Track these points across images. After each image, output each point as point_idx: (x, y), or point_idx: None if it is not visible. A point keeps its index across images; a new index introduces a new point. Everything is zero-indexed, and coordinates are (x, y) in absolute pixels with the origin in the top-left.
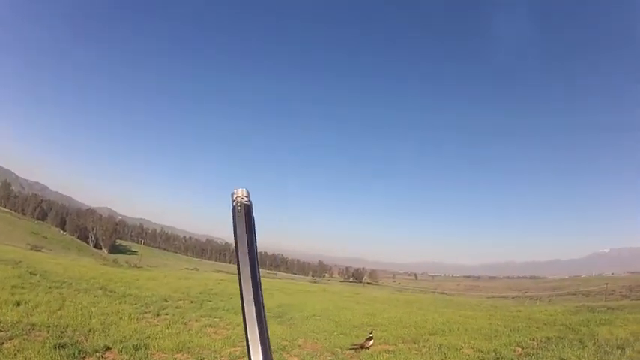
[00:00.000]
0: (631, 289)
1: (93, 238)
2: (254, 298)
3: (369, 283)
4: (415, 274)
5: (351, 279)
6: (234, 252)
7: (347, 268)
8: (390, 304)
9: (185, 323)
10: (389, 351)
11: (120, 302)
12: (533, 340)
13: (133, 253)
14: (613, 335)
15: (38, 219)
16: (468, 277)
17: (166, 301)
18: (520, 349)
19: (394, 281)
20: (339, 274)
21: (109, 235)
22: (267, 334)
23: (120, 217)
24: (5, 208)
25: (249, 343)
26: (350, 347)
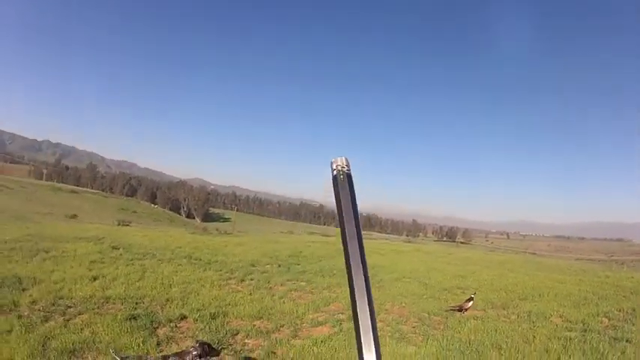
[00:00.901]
0: None
1: (185, 209)
2: (364, 277)
3: (462, 243)
4: (507, 234)
5: (444, 238)
6: (338, 220)
7: (441, 228)
8: (481, 266)
9: (270, 288)
10: (477, 317)
11: (204, 270)
12: (620, 310)
13: (227, 220)
14: None
15: (127, 195)
16: (558, 237)
17: (253, 266)
18: (607, 320)
19: (487, 240)
20: (432, 234)
21: (201, 205)
22: (373, 303)
23: (212, 187)
24: (92, 189)
25: (360, 328)
26: (448, 308)
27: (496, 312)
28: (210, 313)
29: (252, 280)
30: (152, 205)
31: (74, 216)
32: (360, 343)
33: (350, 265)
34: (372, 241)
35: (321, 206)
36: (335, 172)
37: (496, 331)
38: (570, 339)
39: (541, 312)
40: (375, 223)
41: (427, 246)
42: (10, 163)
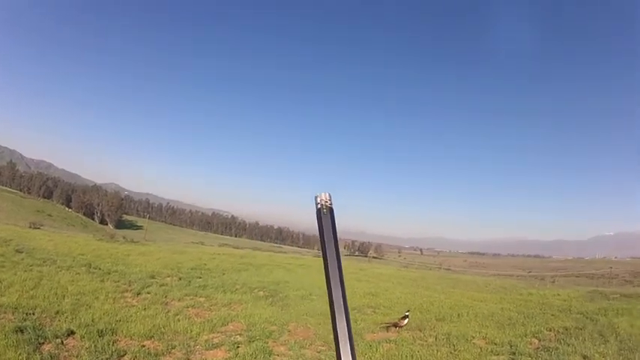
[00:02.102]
0: (635, 274)
1: (99, 215)
2: (342, 295)
3: (374, 257)
4: (421, 250)
5: (356, 253)
6: (322, 251)
7: (353, 242)
8: (394, 283)
9: (166, 303)
10: (390, 340)
11: (102, 280)
12: (550, 330)
13: (139, 228)
14: (635, 328)
15: (44, 197)
16: (473, 253)
17: (153, 277)
18: (537, 341)
19: (399, 256)
20: (345, 248)
21: (114, 211)
22: (350, 322)
23: (126, 193)
24: (11, 187)
25: (339, 337)
26: (382, 325)
27: (412, 334)
28: (99, 330)
29: (148, 293)
30: (67, 208)
31: None
32: (340, 354)
33: (331, 287)
34: (281, 255)
35: (233, 217)
36: (319, 206)
37: (412, 356)
38: None
39: (462, 334)
40: (287, 236)
41: None
42: None
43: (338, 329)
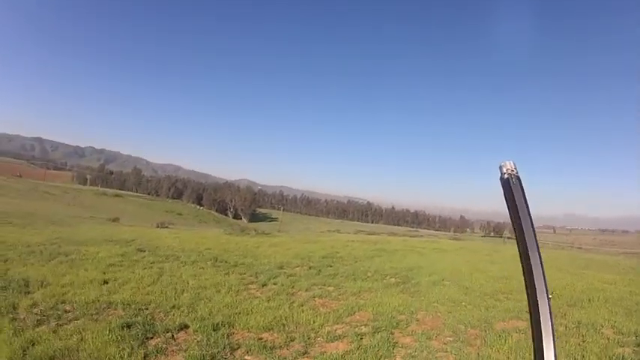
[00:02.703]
0: None
1: (232, 210)
2: (541, 269)
3: (509, 238)
4: (554, 228)
5: (492, 234)
6: (513, 223)
7: (488, 223)
8: None
9: (292, 294)
10: (519, 330)
11: (226, 273)
12: None
13: (274, 220)
14: None
15: (173, 198)
16: (603, 231)
17: (281, 268)
18: None
19: None
20: (480, 229)
21: (247, 205)
22: (550, 304)
23: (259, 187)
24: (137, 192)
25: (540, 317)
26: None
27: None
28: (215, 323)
29: (275, 284)
30: (198, 206)
31: (116, 219)
32: (542, 343)
33: (530, 265)
34: (415, 239)
35: (369, 204)
36: (506, 176)
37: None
38: (623, 358)
39: (591, 322)
40: (423, 219)
41: (473, 243)
42: (53, 169)
43: (540, 311)
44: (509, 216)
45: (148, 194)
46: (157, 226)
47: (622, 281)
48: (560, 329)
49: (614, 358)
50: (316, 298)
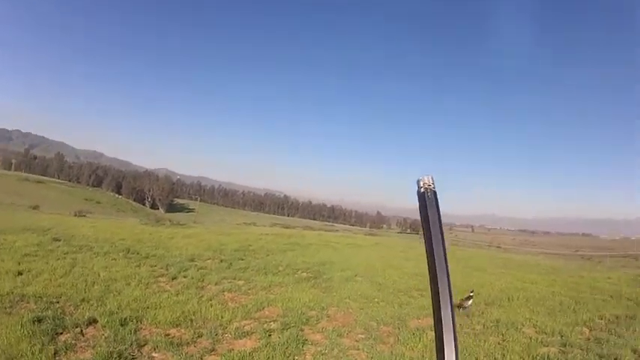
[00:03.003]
0: None
1: (150, 200)
2: (447, 283)
3: None
4: (472, 227)
5: (408, 230)
6: (424, 235)
7: (405, 219)
8: None
9: (202, 288)
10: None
11: (137, 265)
12: (602, 318)
13: (191, 211)
14: None
15: (94, 186)
16: (523, 231)
17: (192, 261)
18: (587, 330)
19: (451, 233)
20: (396, 225)
21: (165, 195)
22: (454, 310)
23: (178, 177)
24: (59, 179)
25: (443, 328)
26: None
27: (458, 320)
28: (123, 318)
29: (185, 277)
30: (117, 195)
31: (36, 207)
32: (442, 343)
33: (436, 274)
34: (330, 234)
35: (286, 197)
36: (422, 190)
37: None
38: (548, 358)
39: (511, 321)
40: (339, 214)
41: (389, 239)
42: None
43: (443, 320)
44: (421, 228)
45: (70, 181)
46: (75, 215)
47: (543, 281)
48: (477, 327)
49: (537, 357)
50: (225, 293)
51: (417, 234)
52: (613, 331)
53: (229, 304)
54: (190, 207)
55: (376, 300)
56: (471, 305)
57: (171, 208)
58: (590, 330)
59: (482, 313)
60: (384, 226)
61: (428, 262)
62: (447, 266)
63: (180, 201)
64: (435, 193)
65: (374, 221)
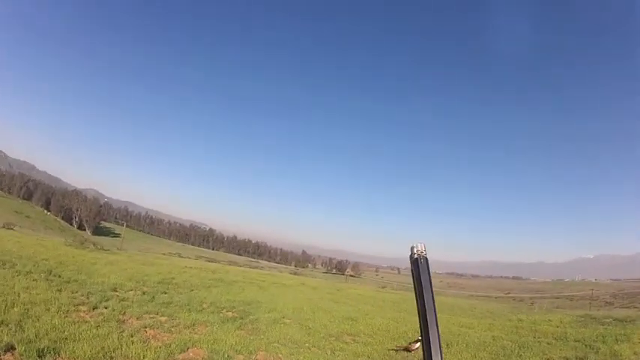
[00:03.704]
0: (615, 296)
1: (77, 219)
2: (438, 343)
3: (351, 276)
4: (398, 269)
5: (333, 270)
6: (417, 299)
7: (330, 260)
8: (374, 305)
9: (123, 321)
10: None
11: (59, 289)
12: None
13: (117, 235)
14: (639, 356)
15: (24, 198)
16: (451, 274)
17: (114, 290)
18: None
19: (377, 275)
20: (322, 265)
21: (92, 217)
22: None
23: (105, 200)
24: None
25: None
26: (394, 348)
27: None
28: (40, 349)
29: (106, 308)
30: (46, 211)
31: None
32: None
33: (429, 339)
34: (255, 271)
35: (211, 230)
36: (416, 256)
37: None
38: None
39: None
40: (264, 251)
41: (314, 279)
42: None
43: None
44: (414, 293)
45: (1, 190)
46: (3, 226)
47: (481, 325)
48: None
49: None
50: (148, 329)
51: (343, 274)
52: None
53: (152, 342)
54: (116, 231)
55: (307, 345)
56: (418, 348)
57: (98, 230)
58: None
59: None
60: (309, 265)
61: (420, 328)
62: (437, 328)
63: (107, 224)
64: (426, 259)
65: (299, 260)
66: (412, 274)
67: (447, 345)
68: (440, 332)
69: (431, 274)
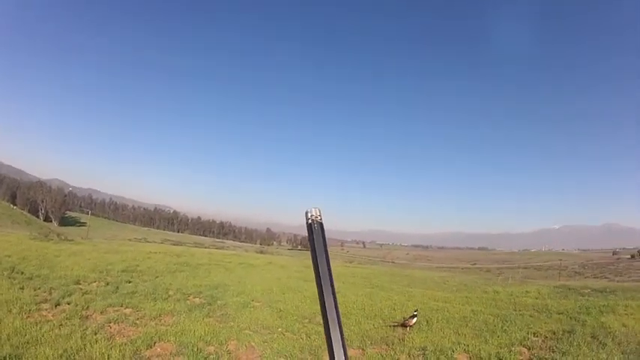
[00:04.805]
0: (584, 266)
1: (43, 211)
2: (334, 305)
3: None
4: (363, 243)
5: (299, 247)
6: (313, 264)
7: (295, 236)
8: (344, 282)
9: (86, 317)
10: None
11: (21, 287)
12: (537, 335)
13: (83, 224)
14: (628, 328)
15: None
16: (417, 246)
17: (78, 283)
18: (526, 350)
19: (342, 249)
20: (287, 242)
21: (58, 208)
22: (345, 341)
23: (70, 189)
24: None
25: (334, 353)
26: (391, 324)
27: (378, 350)
28: (2, 357)
29: (68, 304)
30: (12, 206)
31: None
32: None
33: (325, 304)
34: (221, 252)
35: (175, 212)
36: (310, 221)
37: None
38: None
39: (438, 347)
40: (229, 230)
41: (281, 257)
42: None
43: (334, 348)
44: (311, 258)
45: None
46: None
47: (457, 299)
48: (401, 357)
49: None
50: (112, 324)
51: (308, 251)
52: (554, 348)
53: (116, 338)
54: (82, 220)
55: (280, 330)
56: (415, 323)
57: (64, 221)
58: (529, 349)
59: (403, 340)
60: (275, 242)
61: (318, 292)
62: (334, 292)
63: (73, 214)
64: (321, 224)
65: (264, 238)
66: (308, 239)
67: (427, 322)
68: (337, 299)
69: (326, 239)
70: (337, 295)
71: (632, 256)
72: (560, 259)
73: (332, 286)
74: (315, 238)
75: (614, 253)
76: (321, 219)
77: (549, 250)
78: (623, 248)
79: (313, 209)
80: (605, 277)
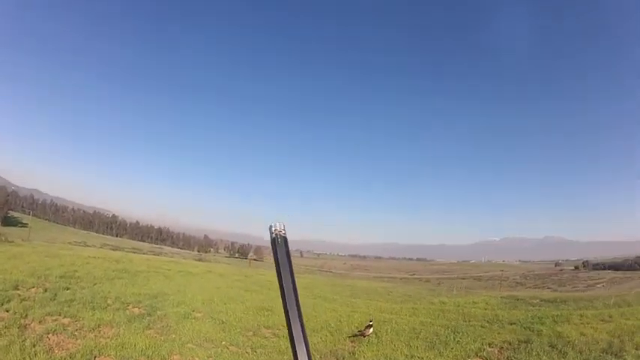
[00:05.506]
0: (525, 276)
1: None
2: (298, 318)
3: (254, 260)
4: (300, 252)
5: (236, 255)
6: (277, 277)
7: (232, 244)
8: None
9: (25, 327)
10: None
11: None
12: (492, 346)
13: (25, 225)
14: (587, 337)
15: None
16: (354, 256)
17: (16, 289)
18: None
19: None
20: (224, 250)
21: (0, 207)
22: (311, 357)
23: (13, 188)
24: None
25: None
26: (351, 335)
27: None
28: None
29: (7, 311)
30: None
31: None
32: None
33: (289, 315)
34: (159, 259)
35: (114, 216)
36: (274, 236)
37: None
38: None
39: None
40: (167, 236)
41: (220, 265)
42: None
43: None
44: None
45: None
46: None
47: (404, 310)
48: None
49: None
50: (50, 335)
51: (246, 259)
52: (512, 358)
53: (55, 351)
54: (24, 221)
55: (224, 343)
56: (371, 333)
57: (7, 221)
58: None
59: (353, 353)
60: (212, 249)
61: (283, 306)
62: (298, 305)
63: (15, 214)
64: (285, 239)
65: (201, 245)
66: (272, 254)
67: (376, 334)
68: (302, 309)
69: (290, 252)
70: (280, 307)
71: (577, 267)
72: (502, 270)
73: (297, 300)
74: (279, 251)
75: (557, 264)
76: (285, 233)
77: (489, 262)
78: (566, 260)
79: (277, 223)
80: (548, 288)
